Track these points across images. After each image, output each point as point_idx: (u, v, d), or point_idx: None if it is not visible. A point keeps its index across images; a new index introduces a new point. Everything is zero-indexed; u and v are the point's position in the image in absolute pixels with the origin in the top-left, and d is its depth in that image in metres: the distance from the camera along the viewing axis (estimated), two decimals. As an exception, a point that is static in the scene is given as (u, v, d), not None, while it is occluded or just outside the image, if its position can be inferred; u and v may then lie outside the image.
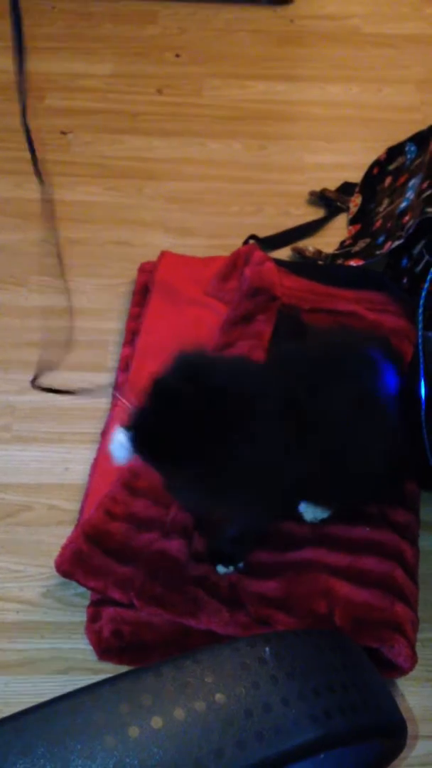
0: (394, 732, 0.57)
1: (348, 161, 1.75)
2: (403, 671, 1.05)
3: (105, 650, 1.06)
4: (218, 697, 0.49)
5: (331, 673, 0.54)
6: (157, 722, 0.47)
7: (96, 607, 1.09)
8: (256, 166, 1.76)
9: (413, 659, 1.05)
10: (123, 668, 1.04)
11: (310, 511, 1.16)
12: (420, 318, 1.10)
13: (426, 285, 1.08)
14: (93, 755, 0.46)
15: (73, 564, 1.11)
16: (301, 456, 1.00)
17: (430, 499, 1.22)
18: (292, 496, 1.10)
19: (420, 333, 1.11)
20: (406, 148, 1.69)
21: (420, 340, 1.12)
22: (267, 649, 0.52)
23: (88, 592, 1.11)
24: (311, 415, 1.00)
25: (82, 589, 1.11)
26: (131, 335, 1.42)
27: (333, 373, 1.04)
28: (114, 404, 1.32)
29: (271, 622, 1.07)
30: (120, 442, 0.91)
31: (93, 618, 1.08)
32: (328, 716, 0.50)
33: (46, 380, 1.36)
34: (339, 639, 0.59)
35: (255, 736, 0.48)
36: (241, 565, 1.12)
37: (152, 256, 1.53)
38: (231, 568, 1.12)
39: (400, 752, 0.62)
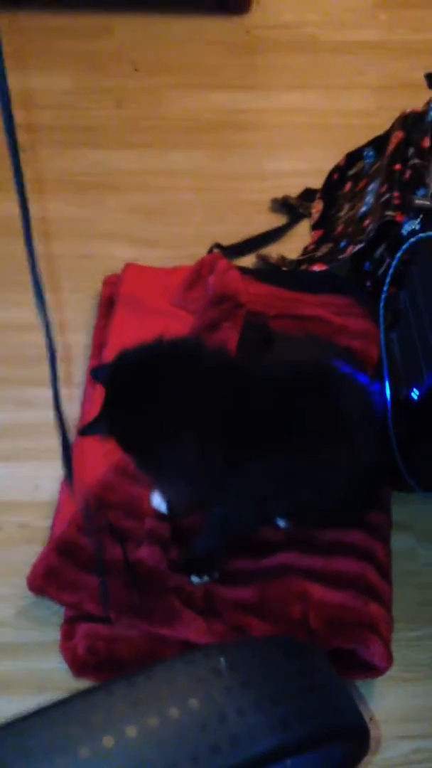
0: (354, 736, 0.57)
1: (308, 168, 1.76)
2: (379, 671, 1.05)
3: (81, 667, 1.05)
4: (172, 711, 0.49)
5: (288, 679, 0.53)
6: (108, 741, 0.47)
7: (70, 624, 1.09)
8: (217, 175, 1.77)
9: (389, 659, 1.05)
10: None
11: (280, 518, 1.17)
12: (381, 320, 1.11)
13: (386, 287, 1.09)
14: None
15: (46, 579, 1.10)
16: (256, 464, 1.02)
17: (400, 498, 1.23)
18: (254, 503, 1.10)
19: (382, 335, 1.12)
20: (365, 153, 1.71)
21: (383, 342, 1.13)
22: (222, 659, 0.52)
23: (62, 611, 1.10)
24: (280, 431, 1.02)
25: (56, 608, 1.10)
26: (98, 348, 1.42)
27: (303, 391, 1.05)
28: (82, 418, 1.32)
29: (246, 629, 1.06)
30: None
31: (67, 636, 1.08)
32: (284, 724, 0.50)
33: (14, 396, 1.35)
34: (297, 644, 0.59)
35: (210, 749, 0.47)
36: (216, 575, 1.12)
37: (116, 268, 1.53)
38: (206, 578, 1.11)
39: (365, 754, 0.62)
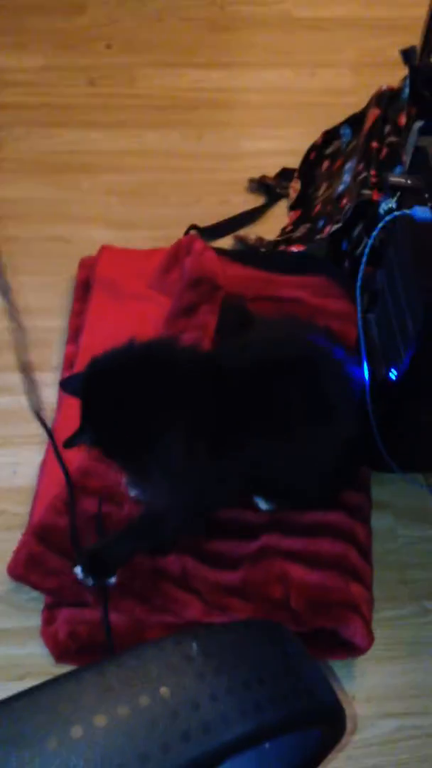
0: (329, 717, 0.57)
1: (285, 147, 1.75)
2: (360, 651, 1.06)
3: (62, 653, 1.05)
4: (142, 699, 0.48)
5: (261, 664, 0.53)
6: (77, 731, 0.46)
7: (51, 609, 1.08)
8: (194, 155, 1.75)
9: (370, 638, 1.06)
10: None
11: (262, 501, 1.16)
12: (358, 300, 1.10)
13: (362, 267, 1.08)
14: (8, 772, 0.45)
15: (27, 567, 1.10)
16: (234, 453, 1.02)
17: (379, 478, 1.23)
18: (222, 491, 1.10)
19: (359, 315, 1.11)
20: (342, 132, 1.69)
21: (360, 323, 1.12)
22: (194, 645, 0.52)
23: (42, 597, 1.10)
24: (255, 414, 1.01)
25: (35, 594, 1.10)
26: (75, 332, 1.40)
27: (281, 373, 1.05)
28: (60, 403, 1.31)
29: (228, 610, 1.07)
30: None
31: (48, 621, 1.07)
32: (258, 708, 0.50)
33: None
34: (270, 628, 0.59)
35: (181, 736, 0.47)
36: (112, 580, 1.08)
37: (92, 251, 1.51)
38: (90, 581, 1.06)
39: (342, 735, 0.63)
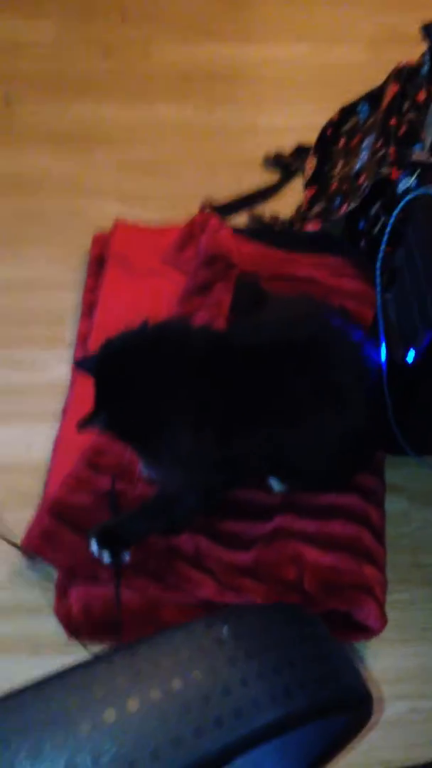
0: (357, 704, 0.57)
1: (301, 123, 1.72)
2: (373, 633, 1.06)
3: (75, 629, 1.05)
4: (174, 683, 0.48)
5: (291, 648, 0.53)
6: (110, 715, 0.46)
7: (64, 585, 1.08)
8: (208, 130, 1.73)
9: (383, 620, 1.06)
10: (94, 646, 1.03)
11: (276, 482, 1.16)
12: (378, 280, 1.08)
13: (382, 246, 1.06)
14: (41, 755, 0.44)
15: (41, 542, 1.10)
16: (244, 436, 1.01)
17: (394, 461, 1.23)
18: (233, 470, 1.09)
19: (379, 296, 1.10)
20: (359, 108, 1.66)
21: (379, 303, 1.11)
22: (225, 628, 0.51)
23: (56, 572, 1.10)
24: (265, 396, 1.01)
25: (49, 569, 1.10)
26: (89, 308, 1.39)
27: (295, 356, 1.04)
28: (74, 379, 1.30)
29: (240, 590, 1.07)
30: None
31: (61, 597, 1.07)
32: (288, 694, 0.49)
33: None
34: (298, 612, 0.59)
35: (214, 721, 0.46)
36: (126, 557, 1.08)
37: (105, 224, 1.49)
38: (106, 557, 1.07)
39: (367, 721, 0.63)
